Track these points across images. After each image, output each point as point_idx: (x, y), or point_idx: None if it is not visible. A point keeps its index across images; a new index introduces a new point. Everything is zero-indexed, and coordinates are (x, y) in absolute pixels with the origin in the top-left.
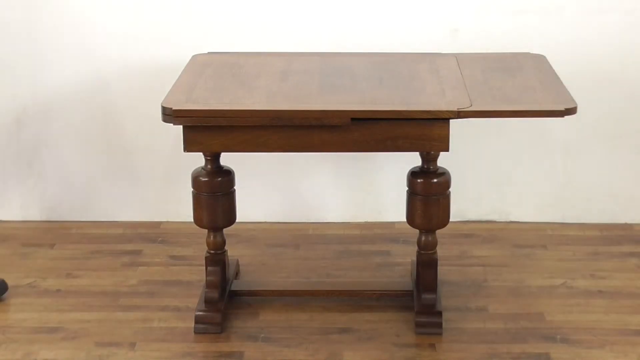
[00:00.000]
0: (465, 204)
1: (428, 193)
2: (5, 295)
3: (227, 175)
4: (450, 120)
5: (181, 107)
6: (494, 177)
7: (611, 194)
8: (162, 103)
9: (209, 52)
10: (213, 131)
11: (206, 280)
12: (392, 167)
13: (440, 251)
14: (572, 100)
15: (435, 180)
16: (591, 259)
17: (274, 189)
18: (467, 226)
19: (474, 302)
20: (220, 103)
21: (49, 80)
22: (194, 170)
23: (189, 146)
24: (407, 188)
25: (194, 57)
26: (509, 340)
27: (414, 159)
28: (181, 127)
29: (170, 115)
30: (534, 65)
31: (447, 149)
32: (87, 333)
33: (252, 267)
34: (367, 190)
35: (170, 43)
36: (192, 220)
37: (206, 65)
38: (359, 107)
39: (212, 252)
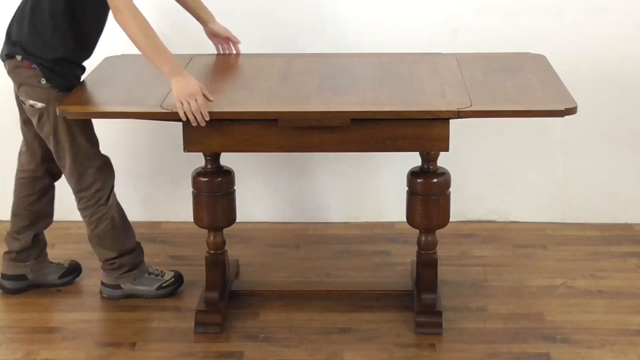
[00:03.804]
0: (465, 204)
1: (428, 193)
2: (79, 277)
3: (227, 175)
4: (450, 120)
5: None
6: (494, 177)
7: (611, 194)
8: (162, 105)
9: (208, 54)
10: (213, 131)
11: (206, 281)
12: (392, 167)
13: (440, 251)
14: (572, 100)
15: (435, 180)
16: (591, 259)
17: (274, 189)
18: (467, 226)
19: (474, 302)
20: (221, 105)
21: None
22: (194, 170)
23: (189, 146)
24: (407, 188)
25: (194, 58)
26: (509, 340)
27: (414, 159)
28: (181, 127)
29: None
30: (534, 65)
31: (447, 149)
32: (87, 333)
33: (252, 267)
34: (367, 190)
35: (171, 44)
36: (192, 220)
37: (206, 66)
38: (359, 107)
39: (212, 252)
